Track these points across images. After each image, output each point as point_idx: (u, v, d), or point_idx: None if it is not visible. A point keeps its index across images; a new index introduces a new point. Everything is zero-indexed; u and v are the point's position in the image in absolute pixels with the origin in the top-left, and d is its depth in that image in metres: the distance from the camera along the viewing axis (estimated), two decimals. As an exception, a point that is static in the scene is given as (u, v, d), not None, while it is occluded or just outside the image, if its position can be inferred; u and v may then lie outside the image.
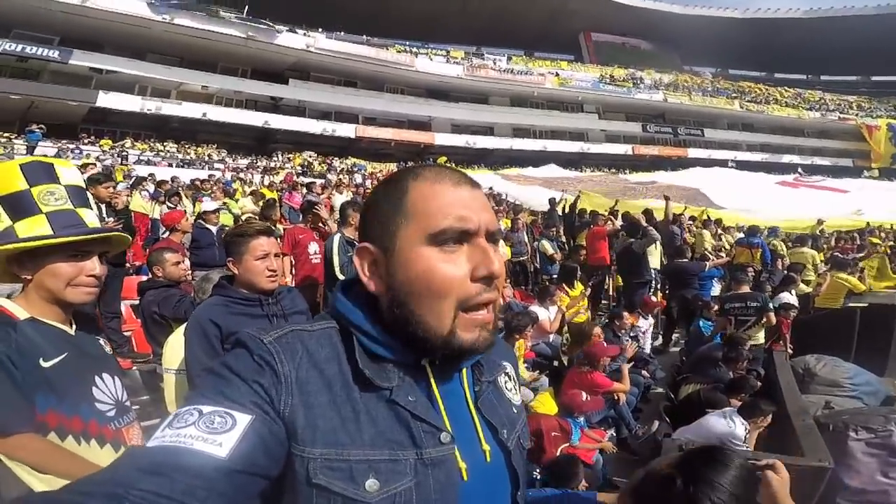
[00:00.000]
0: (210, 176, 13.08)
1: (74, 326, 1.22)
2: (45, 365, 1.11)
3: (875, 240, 10.20)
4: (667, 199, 8.63)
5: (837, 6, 44.58)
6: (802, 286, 6.47)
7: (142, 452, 0.53)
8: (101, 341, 1.28)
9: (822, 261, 8.24)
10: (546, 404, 3.65)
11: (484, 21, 39.23)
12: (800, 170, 27.75)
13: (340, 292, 0.68)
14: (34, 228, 1.14)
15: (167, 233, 4.95)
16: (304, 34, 29.17)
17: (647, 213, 7.34)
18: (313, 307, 3.72)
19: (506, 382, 0.74)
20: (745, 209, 12.52)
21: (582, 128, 36.30)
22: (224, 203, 7.58)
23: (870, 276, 6.76)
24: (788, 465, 2.46)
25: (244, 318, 1.77)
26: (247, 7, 27.76)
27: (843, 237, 11.32)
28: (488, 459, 0.65)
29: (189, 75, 26.90)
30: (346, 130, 29.99)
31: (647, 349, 5.42)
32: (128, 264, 6.12)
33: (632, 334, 5.09)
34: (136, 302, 4.71)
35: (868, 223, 11.98)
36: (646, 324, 5.48)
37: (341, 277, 3.69)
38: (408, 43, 36.44)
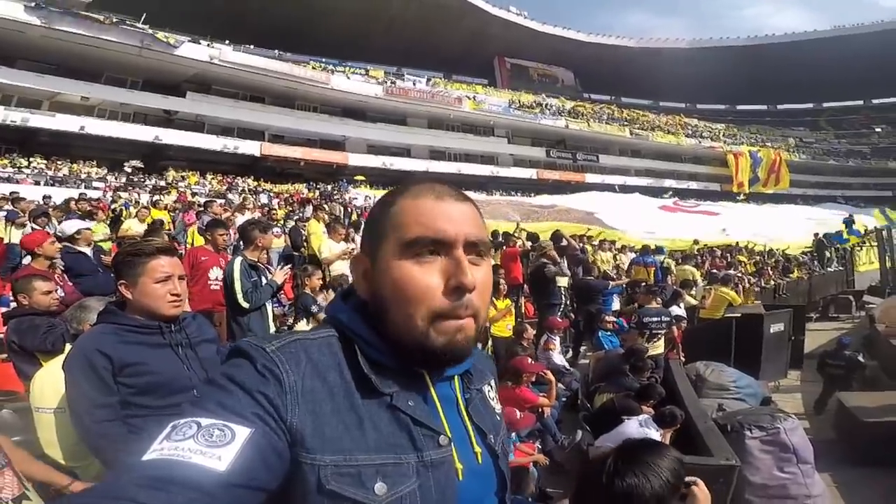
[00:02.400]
0: (81, 195, 11.59)
1: None
2: None
3: (742, 257, 11.73)
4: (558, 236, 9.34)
5: (716, 37, 51.12)
6: (689, 299, 7.21)
7: (139, 465, 0.52)
8: None
9: (701, 276, 9.26)
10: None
11: (407, 42, 39.85)
12: (668, 195, 31.10)
13: (340, 300, 0.71)
14: None
15: (29, 258, 4.21)
16: (209, 45, 27.32)
17: (557, 235, 7.78)
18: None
19: (489, 392, 0.78)
20: (635, 231, 13.81)
21: (492, 151, 37.75)
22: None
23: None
24: (701, 466, 2.66)
25: (142, 348, 1.58)
26: (144, 15, 25.29)
27: (715, 255, 12.87)
28: (480, 461, 0.68)
29: (66, 85, 23.87)
30: (249, 148, 28.38)
31: (559, 362, 5.62)
32: None
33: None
34: None
35: (737, 242, 13.76)
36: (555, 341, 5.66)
37: (245, 305, 3.43)
38: (324, 60, 35.79)
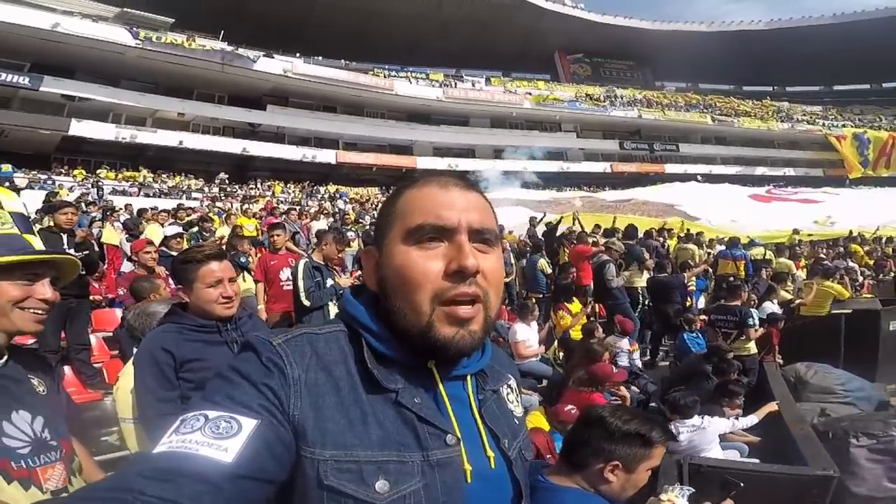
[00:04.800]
0: (179, 205, 12.75)
1: (6, 360, 1.15)
2: None
3: (856, 247, 10.42)
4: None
5: (796, 17, 46.50)
6: (784, 294, 6.53)
7: (148, 458, 0.53)
8: (35, 381, 1.20)
9: (803, 268, 8.37)
10: (537, 423, 3.51)
11: (462, 43, 40.10)
12: (775, 184, 28.20)
13: (350, 295, 0.71)
14: None
15: (131, 265, 4.72)
16: (282, 59, 29.17)
17: (630, 229, 7.40)
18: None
19: (508, 394, 0.75)
20: (722, 222, 12.74)
21: (561, 147, 36.80)
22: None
23: None
24: (791, 476, 2.40)
25: (201, 345, 1.68)
26: (223, 32, 27.57)
27: (821, 245, 11.55)
28: (493, 466, 0.65)
29: (164, 102, 26.43)
30: (326, 156, 29.84)
31: (629, 363, 5.29)
32: (99, 297, 5.93)
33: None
34: (110, 334, 4.62)
35: (851, 231, 12.23)
36: (625, 343, 5.30)
37: (306, 303, 3.65)
38: (387, 67, 36.89)
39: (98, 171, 22.98)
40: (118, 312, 4.70)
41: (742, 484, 1.37)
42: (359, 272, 4.64)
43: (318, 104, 31.23)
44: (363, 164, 30.79)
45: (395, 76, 34.82)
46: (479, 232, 0.65)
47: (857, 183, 33.81)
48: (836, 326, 5.44)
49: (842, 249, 10.83)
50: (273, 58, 28.81)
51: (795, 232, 11.73)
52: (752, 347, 4.86)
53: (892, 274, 9.50)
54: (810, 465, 2.38)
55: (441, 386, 0.65)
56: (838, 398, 3.82)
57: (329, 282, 3.82)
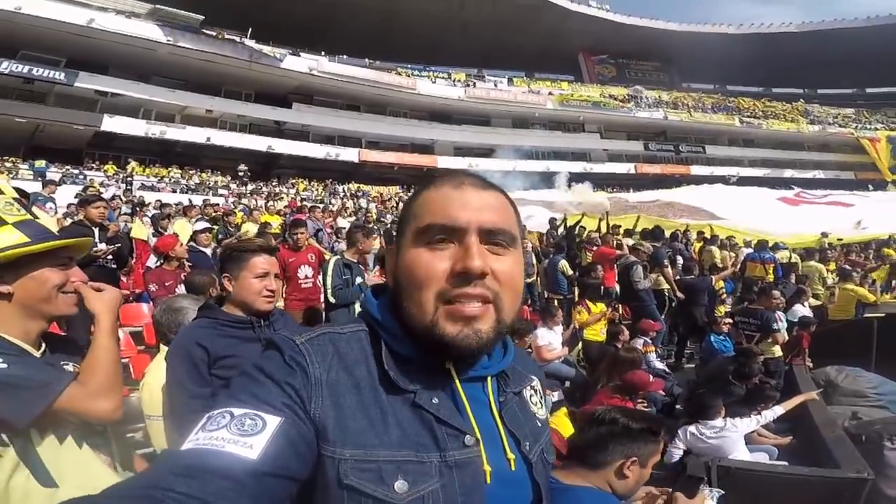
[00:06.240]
0: (205, 201, 12.93)
1: (44, 350, 1.17)
2: None
3: (890, 251, 10.09)
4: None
5: (828, 19, 45.21)
6: (812, 299, 6.39)
7: (176, 455, 0.54)
8: (71, 366, 1.20)
9: (831, 271, 8.17)
10: (561, 425, 3.52)
11: (485, 42, 39.99)
12: (822, 192, 27.13)
13: (371, 294, 0.71)
14: (6, 239, 1.08)
15: (159, 261, 4.60)
16: (308, 58, 29.46)
17: (657, 230, 7.31)
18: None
19: (531, 396, 0.75)
20: (749, 224, 12.45)
21: (584, 148, 36.52)
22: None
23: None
24: (824, 479, 2.37)
25: (234, 342, 1.66)
26: (251, 30, 27.94)
27: (853, 250, 11.22)
28: (513, 468, 0.65)
29: (193, 99, 26.86)
30: (349, 155, 30.06)
31: (657, 366, 5.24)
32: (127, 291, 6.00)
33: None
34: (138, 329, 4.67)
35: (890, 235, 11.83)
36: (639, 342, 5.18)
37: (332, 300, 3.68)
38: (410, 66, 37.02)
39: (128, 167, 23.61)
40: (144, 308, 4.68)
41: (705, 478, 1.43)
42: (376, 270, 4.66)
43: (342, 103, 31.48)
44: (385, 163, 30.96)
45: (417, 75, 34.98)
46: (492, 232, 0.63)
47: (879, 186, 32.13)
48: (867, 329, 5.33)
49: (873, 253, 10.52)
50: (299, 56, 29.12)
51: (824, 235, 11.42)
52: (777, 350, 4.80)
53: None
54: (843, 468, 2.35)
55: (459, 386, 0.65)
56: (870, 402, 3.74)
57: (357, 280, 3.83)
